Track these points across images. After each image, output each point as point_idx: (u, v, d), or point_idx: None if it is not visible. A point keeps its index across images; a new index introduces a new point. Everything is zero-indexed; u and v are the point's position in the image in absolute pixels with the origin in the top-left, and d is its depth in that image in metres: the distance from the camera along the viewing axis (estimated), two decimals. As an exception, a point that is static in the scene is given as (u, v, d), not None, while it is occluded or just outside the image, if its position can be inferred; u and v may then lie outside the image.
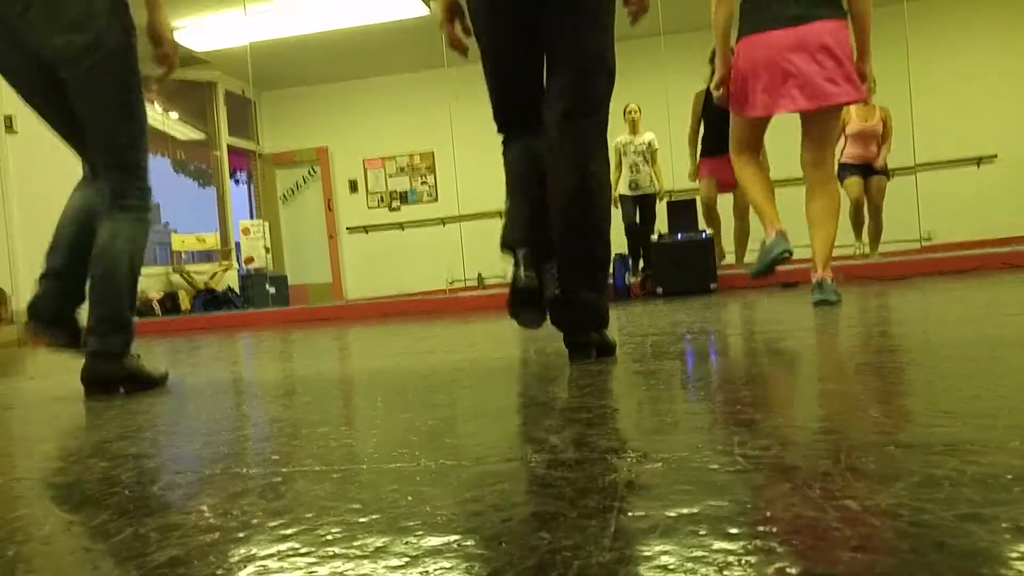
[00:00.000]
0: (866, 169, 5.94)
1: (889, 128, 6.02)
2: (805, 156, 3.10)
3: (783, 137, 3.29)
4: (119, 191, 1.99)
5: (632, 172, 6.32)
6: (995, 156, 7.63)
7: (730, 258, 6.00)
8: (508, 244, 1.95)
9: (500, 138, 2.07)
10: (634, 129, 6.33)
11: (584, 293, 1.81)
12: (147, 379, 2.01)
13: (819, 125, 3.04)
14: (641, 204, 6.33)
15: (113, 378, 1.95)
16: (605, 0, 1.85)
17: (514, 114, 2.01)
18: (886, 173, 6.04)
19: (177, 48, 2.10)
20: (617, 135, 6.28)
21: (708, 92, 5.69)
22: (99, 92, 1.93)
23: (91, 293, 1.97)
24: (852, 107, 5.95)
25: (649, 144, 6.32)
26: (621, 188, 6.35)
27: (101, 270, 1.96)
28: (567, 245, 1.82)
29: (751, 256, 5.92)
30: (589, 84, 1.84)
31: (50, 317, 2.01)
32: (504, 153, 2.05)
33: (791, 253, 3.00)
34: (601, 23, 1.85)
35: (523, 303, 1.86)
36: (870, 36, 3.00)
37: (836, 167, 6.10)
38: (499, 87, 2.00)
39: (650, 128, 6.42)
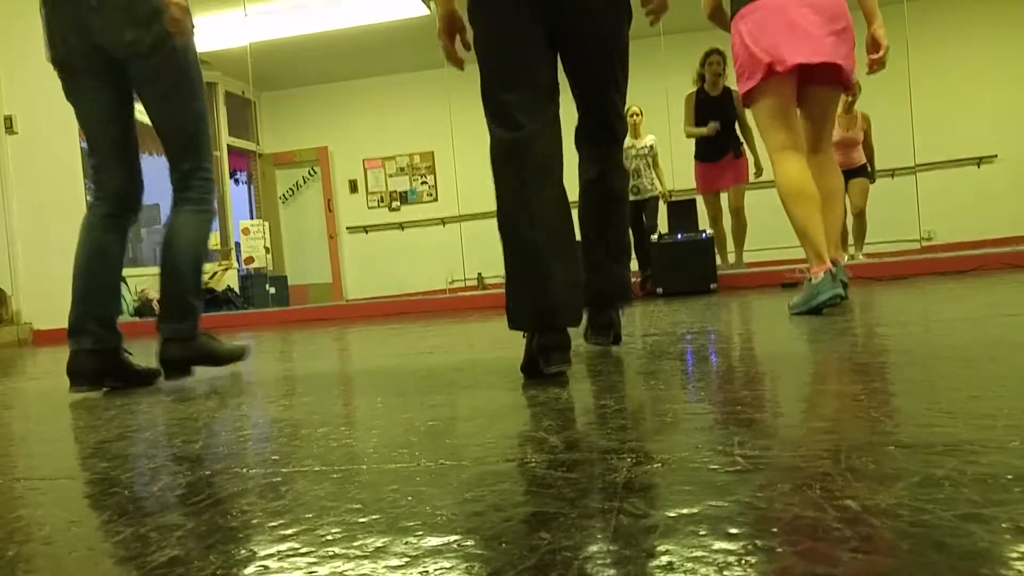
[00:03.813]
0: (847, 174, 5.97)
1: (870, 136, 6.03)
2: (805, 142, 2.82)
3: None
4: (183, 184, 2.14)
5: (633, 177, 6.26)
6: (995, 156, 7.63)
7: (730, 257, 5.98)
8: (555, 323, 1.54)
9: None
10: (635, 132, 6.28)
11: (617, 267, 1.96)
12: (220, 356, 2.22)
13: (819, 104, 2.82)
14: (643, 208, 6.29)
15: (186, 359, 2.12)
16: (623, 22, 1.81)
17: (529, 88, 1.68)
18: (869, 176, 6.05)
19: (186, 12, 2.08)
20: None
21: (699, 95, 5.71)
22: (165, 84, 2.07)
23: (160, 283, 2.13)
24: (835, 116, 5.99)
25: (651, 148, 6.25)
26: None
27: (166, 262, 2.11)
28: (605, 234, 1.95)
29: (749, 256, 5.93)
30: (613, 115, 1.95)
31: (93, 373, 2.04)
32: (500, 155, 1.66)
33: (844, 298, 2.54)
34: (617, 45, 1.82)
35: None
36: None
37: None
38: (510, 61, 1.69)
39: (650, 130, 6.38)
